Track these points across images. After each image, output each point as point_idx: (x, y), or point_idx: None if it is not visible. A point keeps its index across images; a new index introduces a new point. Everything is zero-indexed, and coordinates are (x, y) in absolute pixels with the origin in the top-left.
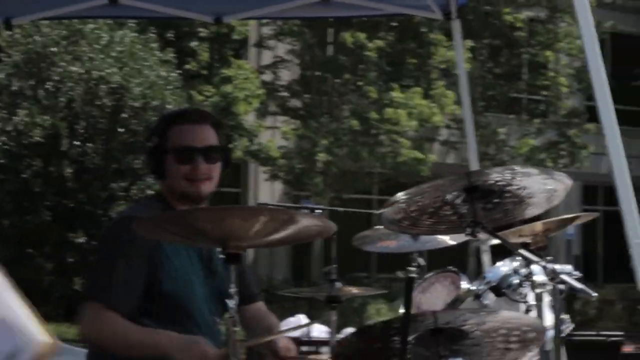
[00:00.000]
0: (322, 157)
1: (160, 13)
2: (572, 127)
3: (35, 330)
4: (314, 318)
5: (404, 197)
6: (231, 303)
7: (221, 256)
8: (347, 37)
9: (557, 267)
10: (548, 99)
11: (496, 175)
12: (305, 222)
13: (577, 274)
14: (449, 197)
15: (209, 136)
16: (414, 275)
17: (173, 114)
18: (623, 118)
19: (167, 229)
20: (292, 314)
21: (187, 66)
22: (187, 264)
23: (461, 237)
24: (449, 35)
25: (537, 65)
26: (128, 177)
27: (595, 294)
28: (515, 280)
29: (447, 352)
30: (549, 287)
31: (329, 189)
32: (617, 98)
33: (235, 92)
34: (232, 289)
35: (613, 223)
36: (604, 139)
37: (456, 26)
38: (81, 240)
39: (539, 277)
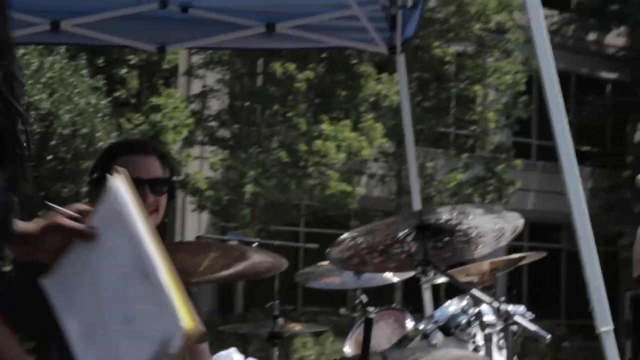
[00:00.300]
0: (249, 188)
1: (104, 41)
2: (500, 163)
3: (183, 314)
4: (247, 353)
5: (353, 234)
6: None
7: None
8: (277, 67)
9: (510, 307)
10: (476, 133)
11: (447, 214)
12: (256, 259)
13: (530, 314)
14: (399, 235)
15: (155, 168)
16: (371, 315)
17: (118, 145)
18: (549, 154)
19: None
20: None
21: (117, 94)
22: None
23: (406, 275)
24: (379, 67)
25: (465, 100)
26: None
27: (549, 336)
28: (464, 320)
29: None
30: (498, 328)
31: (256, 220)
32: (544, 134)
33: (164, 121)
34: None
35: (537, 260)
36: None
37: (401, 60)
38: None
39: (489, 317)
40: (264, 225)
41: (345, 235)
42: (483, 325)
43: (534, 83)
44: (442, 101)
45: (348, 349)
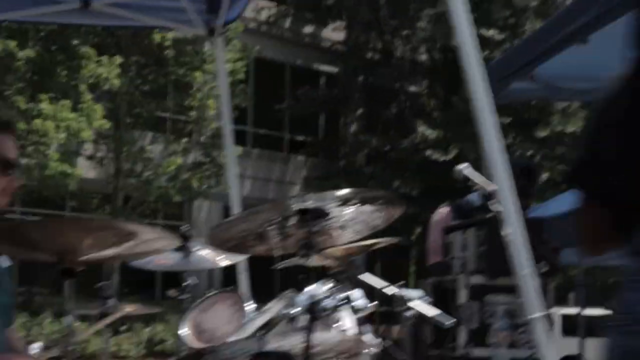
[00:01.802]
0: None
1: None
2: (217, 149)
3: None
4: None
5: (232, 219)
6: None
7: (5, 265)
8: None
9: (406, 292)
10: (194, 119)
11: (323, 201)
12: (147, 236)
13: (428, 299)
14: (278, 219)
15: (14, 147)
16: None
17: None
18: (264, 142)
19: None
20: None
21: None
22: None
23: (238, 258)
24: (99, 49)
25: (184, 86)
26: None
27: (451, 321)
28: (330, 304)
29: None
30: (368, 311)
31: None
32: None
33: None
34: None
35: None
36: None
37: (219, 42)
38: None
39: (359, 301)
40: None
41: (226, 220)
42: (354, 310)
43: (250, 71)
44: (160, 86)
45: (184, 332)
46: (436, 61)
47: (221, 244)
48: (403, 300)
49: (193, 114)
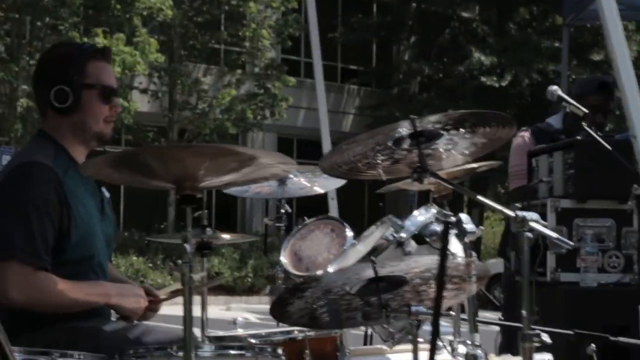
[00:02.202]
0: (23, 102)
1: None
2: (271, 80)
3: None
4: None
5: (344, 145)
6: (188, 247)
7: (107, 195)
8: None
9: (526, 214)
10: (248, 50)
11: (436, 122)
12: (265, 160)
13: (545, 223)
14: (389, 143)
15: (113, 75)
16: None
17: (91, 48)
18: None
19: (116, 169)
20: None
21: None
22: (90, 210)
23: (331, 186)
24: None
25: (237, 16)
26: None
27: (572, 244)
28: (438, 228)
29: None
30: (476, 235)
31: (28, 135)
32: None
33: None
34: (189, 233)
35: None
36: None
37: None
38: None
39: (469, 225)
40: None
41: (339, 145)
42: (463, 233)
43: (303, 1)
44: (214, 17)
45: (284, 259)
46: None
47: (332, 170)
48: (525, 221)
49: (247, 44)
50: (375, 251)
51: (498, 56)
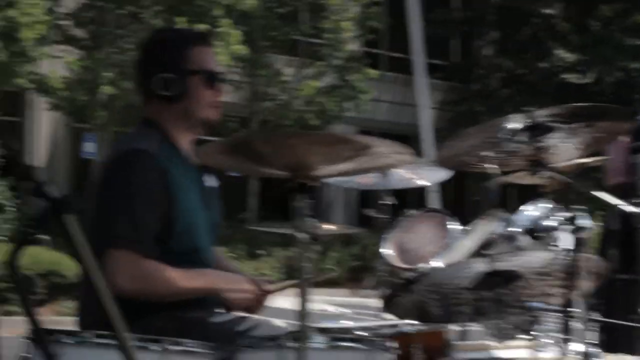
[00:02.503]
0: (106, 89)
1: None
2: (353, 72)
3: None
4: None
5: (462, 135)
6: (303, 237)
7: (211, 185)
8: None
9: None
10: (330, 42)
11: (552, 115)
12: (382, 149)
13: None
14: (505, 135)
15: (215, 59)
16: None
17: (193, 34)
18: (398, 65)
19: (230, 156)
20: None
21: None
22: (194, 197)
23: (436, 179)
24: None
25: (318, 8)
26: None
27: None
28: (551, 223)
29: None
30: (591, 231)
31: (112, 123)
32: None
33: (19, 18)
34: (304, 222)
35: None
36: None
37: None
38: None
39: (584, 220)
40: (120, 128)
41: (454, 137)
42: (578, 229)
43: None
44: (295, 8)
45: (388, 251)
46: None
47: (449, 162)
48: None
49: (328, 36)
50: (486, 245)
51: (581, 53)
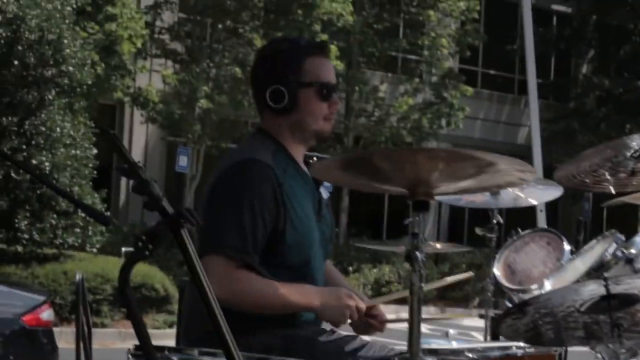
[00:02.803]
0: (202, 103)
1: None
2: (449, 89)
3: None
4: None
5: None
6: (420, 256)
7: (325, 197)
8: None
9: None
10: (427, 59)
11: None
12: (503, 166)
13: None
14: (628, 154)
15: (333, 70)
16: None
17: (308, 44)
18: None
19: (347, 172)
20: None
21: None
22: (307, 210)
23: (545, 198)
24: None
25: (416, 25)
26: (20, 111)
27: None
28: None
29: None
30: None
31: (206, 136)
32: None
33: (119, 31)
34: (419, 238)
35: None
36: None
37: None
38: None
39: None
40: (214, 142)
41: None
42: None
43: (482, 11)
44: (393, 25)
45: (497, 271)
46: None
47: (567, 180)
48: None
49: (425, 53)
50: (601, 267)
51: None
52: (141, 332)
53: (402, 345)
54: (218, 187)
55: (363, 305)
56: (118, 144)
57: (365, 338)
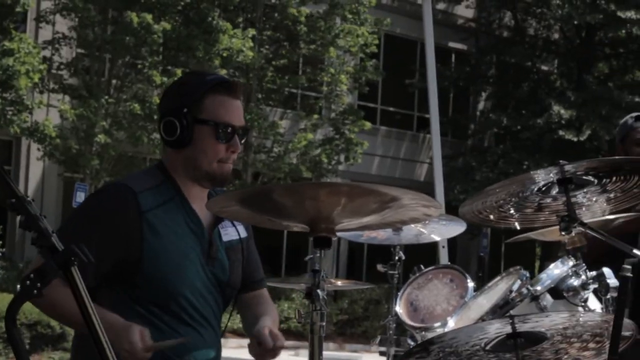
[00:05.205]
0: (100, 138)
1: None
2: (347, 125)
3: None
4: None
5: (490, 190)
6: (321, 294)
7: (226, 239)
8: (133, 16)
9: None
10: (325, 95)
11: (589, 168)
12: (408, 201)
13: None
14: (535, 189)
15: (242, 114)
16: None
17: (214, 81)
18: (393, 119)
19: (245, 207)
20: None
21: None
22: (182, 247)
23: (449, 234)
24: (232, 25)
25: (315, 61)
26: None
27: None
28: (576, 283)
29: (527, 355)
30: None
31: (104, 172)
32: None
33: (16, 66)
34: (320, 275)
35: None
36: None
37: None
38: None
39: (612, 280)
40: (112, 178)
41: (481, 192)
42: (606, 288)
43: (381, 48)
44: (292, 62)
45: (399, 309)
46: (569, 40)
47: (472, 216)
48: None
49: (324, 89)
50: (507, 304)
51: (577, 110)
52: None
53: None
54: (82, 204)
55: (142, 347)
56: (5, 178)
57: None
